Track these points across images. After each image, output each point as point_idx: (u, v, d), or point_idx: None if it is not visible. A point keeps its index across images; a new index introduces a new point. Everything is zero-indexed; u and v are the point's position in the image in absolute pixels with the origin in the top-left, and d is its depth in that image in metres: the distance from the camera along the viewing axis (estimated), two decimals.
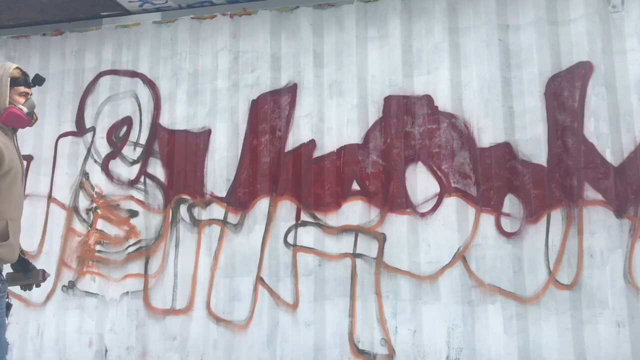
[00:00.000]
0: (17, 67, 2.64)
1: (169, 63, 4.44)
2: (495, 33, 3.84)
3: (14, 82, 2.60)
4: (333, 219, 3.93)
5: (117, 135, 4.45)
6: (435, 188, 3.80)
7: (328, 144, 4.02)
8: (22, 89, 2.62)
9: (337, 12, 4.18)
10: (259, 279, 3.99)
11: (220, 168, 4.18)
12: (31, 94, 2.68)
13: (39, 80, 2.69)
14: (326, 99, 4.09)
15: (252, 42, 4.30)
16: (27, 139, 4.63)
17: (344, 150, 3.97)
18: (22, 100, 2.61)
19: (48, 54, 4.72)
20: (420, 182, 3.82)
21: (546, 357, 3.46)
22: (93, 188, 4.42)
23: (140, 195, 4.32)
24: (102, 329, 4.22)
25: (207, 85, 4.33)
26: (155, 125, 4.37)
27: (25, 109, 2.60)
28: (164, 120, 4.36)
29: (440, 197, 3.77)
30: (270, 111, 4.18)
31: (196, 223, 4.18)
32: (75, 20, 4.66)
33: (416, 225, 3.79)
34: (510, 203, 3.66)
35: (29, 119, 2.62)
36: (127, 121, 4.45)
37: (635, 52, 3.58)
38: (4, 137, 2.56)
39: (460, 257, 3.68)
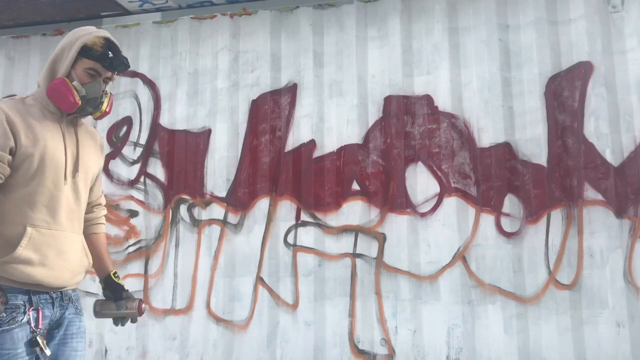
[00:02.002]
0: (102, 37, 2.01)
1: (169, 63, 4.44)
2: (495, 33, 3.84)
3: (86, 51, 1.97)
4: (333, 219, 3.93)
5: (117, 135, 4.45)
6: (435, 188, 3.80)
7: (328, 144, 4.02)
8: (92, 63, 1.98)
9: (337, 12, 4.18)
10: (259, 279, 3.99)
11: (220, 168, 4.18)
12: (107, 79, 2.04)
13: (119, 64, 2.02)
14: (326, 99, 4.09)
15: (252, 42, 4.30)
16: None
17: (344, 150, 3.97)
18: (86, 78, 1.98)
19: (48, 54, 4.72)
20: (420, 182, 3.82)
21: (546, 357, 3.46)
22: None
23: (140, 195, 4.32)
24: (102, 329, 4.21)
25: (207, 85, 4.33)
26: (155, 125, 4.37)
27: (80, 91, 1.97)
28: (164, 120, 4.36)
29: (440, 197, 3.77)
30: (270, 111, 4.18)
31: (196, 223, 4.18)
32: (75, 20, 4.65)
33: (416, 225, 3.79)
34: (510, 203, 3.66)
35: (78, 104, 1.96)
36: (127, 121, 4.45)
37: (635, 52, 3.58)
38: (39, 113, 1.98)
39: (460, 257, 3.68)
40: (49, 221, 1.95)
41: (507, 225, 3.64)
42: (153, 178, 4.32)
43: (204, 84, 4.35)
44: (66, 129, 2.04)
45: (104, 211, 2.40)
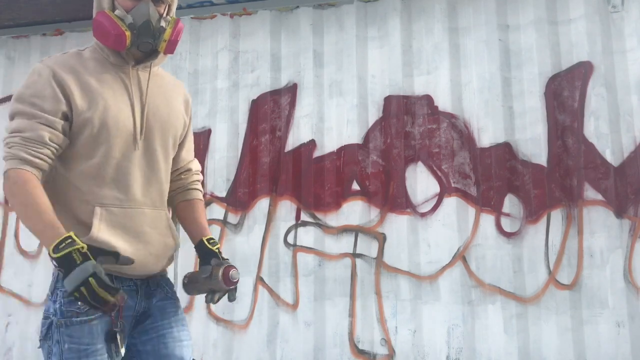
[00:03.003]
0: None
1: (169, 63, 4.43)
2: (495, 33, 3.84)
3: None
4: (333, 219, 3.93)
5: None
6: (435, 188, 3.80)
7: (328, 144, 4.02)
8: None
9: (337, 12, 4.18)
10: (259, 279, 3.99)
11: (220, 168, 4.18)
12: (161, 0, 1.68)
13: None
14: (326, 99, 4.09)
15: (252, 42, 4.30)
16: None
17: (344, 150, 3.97)
18: (128, 3, 1.64)
19: (48, 54, 4.71)
20: (420, 182, 3.82)
21: (546, 357, 3.46)
22: None
23: None
24: None
25: (207, 85, 4.33)
26: None
27: (126, 18, 1.62)
28: None
29: (440, 197, 3.77)
30: (270, 111, 4.18)
31: None
32: (75, 20, 4.65)
33: (416, 225, 3.79)
34: (510, 203, 3.66)
35: (125, 34, 1.59)
36: None
37: (635, 52, 3.58)
38: (98, 67, 1.66)
39: (460, 257, 3.68)
40: (121, 198, 1.63)
41: (507, 225, 3.64)
42: None
43: (204, 84, 4.34)
44: (134, 84, 1.69)
45: (197, 177, 1.96)
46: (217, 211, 4.14)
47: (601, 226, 3.49)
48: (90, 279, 1.40)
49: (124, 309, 1.57)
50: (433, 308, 3.67)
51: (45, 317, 1.59)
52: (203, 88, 4.34)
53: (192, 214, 1.88)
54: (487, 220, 3.68)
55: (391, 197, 3.85)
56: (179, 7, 4.43)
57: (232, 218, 4.11)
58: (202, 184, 4.19)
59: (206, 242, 1.80)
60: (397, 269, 3.76)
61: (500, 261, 3.61)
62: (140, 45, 1.64)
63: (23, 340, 4.34)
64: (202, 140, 4.24)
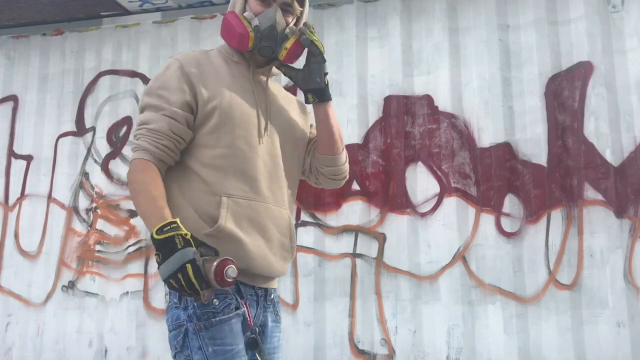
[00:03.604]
0: None
1: None
2: (495, 33, 3.83)
3: None
4: (333, 219, 3.93)
5: (117, 135, 4.45)
6: (435, 188, 3.79)
7: None
8: None
9: (337, 12, 4.18)
10: None
11: None
12: (286, 7, 1.68)
13: None
14: None
15: None
16: (26, 139, 4.63)
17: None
18: (258, 7, 1.67)
19: (48, 54, 4.72)
20: (420, 182, 3.82)
21: (546, 357, 3.46)
22: (93, 188, 4.42)
23: None
24: (102, 329, 4.21)
25: None
26: None
27: (253, 20, 1.64)
28: None
29: (440, 197, 3.77)
30: None
31: None
32: (75, 20, 4.66)
33: (416, 225, 3.79)
34: (510, 203, 3.66)
35: (249, 34, 1.63)
36: (127, 121, 4.45)
37: (636, 52, 3.58)
38: (223, 64, 1.69)
39: (460, 257, 3.68)
40: (247, 190, 1.58)
41: (507, 225, 3.64)
42: None
43: None
44: (255, 83, 1.70)
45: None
46: None
47: (601, 226, 3.49)
48: (188, 265, 1.35)
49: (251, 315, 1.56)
50: (433, 308, 3.67)
51: (177, 327, 1.53)
52: None
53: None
54: (487, 220, 3.68)
55: (391, 197, 3.85)
56: (179, 7, 4.44)
57: None
58: None
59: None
60: (397, 269, 3.76)
61: (500, 261, 3.61)
62: (261, 50, 1.66)
63: (23, 340, 4.34)
64: None
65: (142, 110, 1.62)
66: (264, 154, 1.64)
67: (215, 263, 1.37)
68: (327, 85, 1.70)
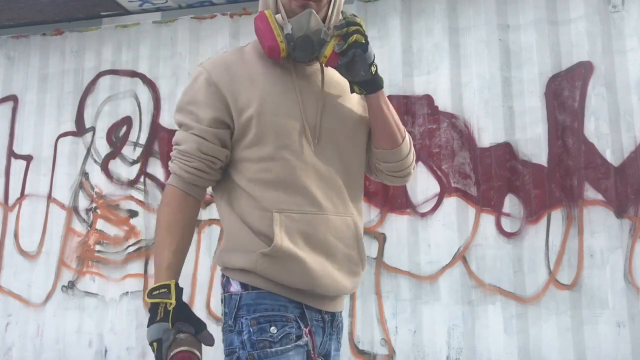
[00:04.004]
0: None
1: (169, 63, 4.44)
2: (495, 33, 3.83)
3: None
4: None
5: (117, 135, 4.45)
6: (435, 188, 3.79)
7: None
8: None
9: None
10: None
11: None
12: (329, 9, 1.49)
13: None
14: None
15: None
16: (26, 139, 4.63)
17: None
18: (294, 7, 1.46)
19: (48, 53, 4.72)
20: (420, 182, 3.82)
21: (546, 357, 3.46)
22: (93, 188, 4.42)
23: (140, 196, 4.32)
24: (102, 329, 4.21)
25: None
26: (155, 125, 4.37)
27: (285, 27, 1.44)
28: (164, 120, 4.36)
29: (440, 197, 3.77)
30: None
31: (196, 223, 4.17)
32: (75, 20, 4.65)
33: (416, 225, 3.78)
34: (511, 203, 3.66)
35: (278, 47, 1.43)
36: (127, 121, 4.45)
37: (636, 52, 3.58)
38: (258, 60, 1.50)
39: (460, 257, 3.68)
40: (299, 202, 1.42)
41: (507, 225, 3.64)
42: (153, 178, 4.31)
43: None
44: (300, 78, 1.49)
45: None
46: (217, 211, 4.14)
47: (601, 226, 3.49)
48: (154, 342, 1.32)
49: (315, 344, 1.42)
50: (433, 308, 3.67)
51: (230, 353, 1.40)
52: None
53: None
54: (487, 220, 3.67)
55: (391, 197, 3.85)
56: (179, 7, 4.44)
57: None
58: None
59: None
60: (397, 269, 3.76)
61: (500, 261, 3.61)
62: (296, 58, 1.47)
63: (23, 340, 4.34)
64: None
65: (178, 127, 1.54)
66: (315, 160, 1.45)
67: (174, 351, 1.30)
68: (374, 74, 1.49)
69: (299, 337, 1.38)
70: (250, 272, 1.41)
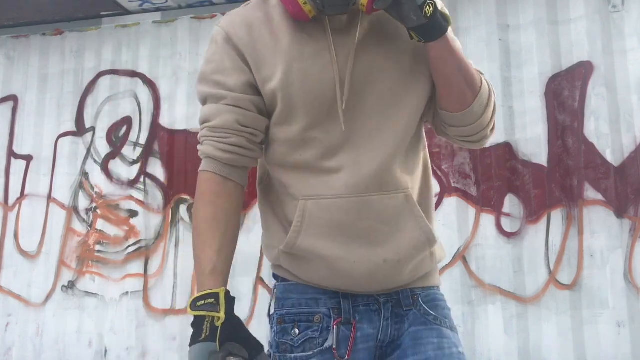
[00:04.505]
0: None
1: (169, 63, 4.44)
2: (495, 33, 3.83)
3: None
4: None
5: (117, 135, 4.45)
6: (436, 188, 3.78)
7: None
8: None
9: None
10: (259, 279, 3.98)
11: None
12: None
13: None
14: None
15: None
16: (26, 139, 4.63)
17: None
18: None
19: (48, 53, 4.72)
20: None
21: (546, 357, 3.46)
22: (92, 188, 4.42)
23: (140, 195, 4.32)
24: (102, 329, 4.21)
25: None
26: (155, 125, 4.37)
27: None
28: (164, 120, 4.36)
29: (440, 197, 3.77)
30: None
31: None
32: (75, 20, 4.65)
33: None
34: (511, 203, 3.66)
35: (303, 11, 1.15)
36: (127, 121, 4.45)
37: (636, 52, 3.58)
38: (282, 13, 1.22)
39: (460, 257, 3.67)
40: (332, 185, 1.19)
41: (507, 225, 3.64)
42: (153, 178, 4.31)
43: None
44: (335, 34, 1.19)
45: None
46: None
47: (601, 226, 3.49)
48: None
49: (358, 340, 1.19)
50: None
51: (270, 347, 1.27)
52: None
53: None
54: (487, 220, 3.67)
55: None
56: (179, 7, 4.44)
57: None
58: None
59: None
60: None
61: (500, 261, 3.60)
62: (328, 16, 1.18)
63: (23, 340, 4.34)
64: None
65: (202, 103, 1.35)
66: (351, 132, 1.19)
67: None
68: (430, 16, 1.11)
69: (325, 341, 1.20)
70: (278, 265, 1.29)
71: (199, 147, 1.30)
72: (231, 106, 1.23)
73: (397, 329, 1.25)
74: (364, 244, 1.19)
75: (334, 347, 1.18)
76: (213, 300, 1.15)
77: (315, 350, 1.19)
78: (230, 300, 1.18)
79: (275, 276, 1.32)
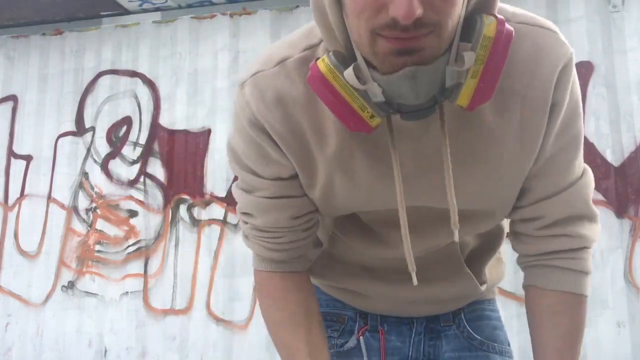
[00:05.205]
0: None
1: (169, 63, 4.44)
2: None
3: None
4: None
5: (117, 135, 4.45)
6: None
7: None
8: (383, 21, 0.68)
9: None
10: None
11: (220, 168, 4.17)
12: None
13: None
14: None
15: (252, 41, 4.30)
16: (26, 139, 4.63)
17: None
18: (382, 49, 0.70)
19: (47, 53, 4.72)
20: None
21: None
22: (92, 188, 4.42)
23: (139, 195, 4.32)
24: (102, 329, 4.21)
25: (207, 85, 4.33)
26: (155, 125, 4.37)
27: (370, 89, 0.72)
28: (164, 120, 4.36)
29: None
30: None
31: (196, 223, 4.17)
32: (75, 20, 4.65)
33: None
34: None
35: (367, 125, 0.76)
36: (127, 121, 4.45)
37: (636, 52, 3.58)
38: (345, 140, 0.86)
39: None
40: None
41: (507, 225, 3.63)
42: (153, 178, 4.31)
43: (203, 84, 4.34)
44: (403, 136, 0.83)
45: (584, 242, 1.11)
46: (217, 211, 4.14)
47: (601, 226, 3.47)
48: None
49: (389, 349, 1.07)
50: None
51: None
52: (203, 88, 4.33)
53: (550, 328, 1.03)
54: None
55: None
56: (179, 7, 4.44)
57: (232, 218, 4.11)
58: (202, 183, 4.22)
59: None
60: None
61: None
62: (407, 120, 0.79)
63: (23, 340, 4.34)
64: (202, 140, 4.23)
65: (234, 178, 1.08)
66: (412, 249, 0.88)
67: None
68: None
69: (345, 343, 1.09)
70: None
71: (245, 241, 1.07)
72: (268, 198, 0.97)
73: (431, 345, 1.11)
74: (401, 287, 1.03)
75: (362, 350, 1.07)
76: None
77: (331, 351, 1.05)
78: None
79: None
